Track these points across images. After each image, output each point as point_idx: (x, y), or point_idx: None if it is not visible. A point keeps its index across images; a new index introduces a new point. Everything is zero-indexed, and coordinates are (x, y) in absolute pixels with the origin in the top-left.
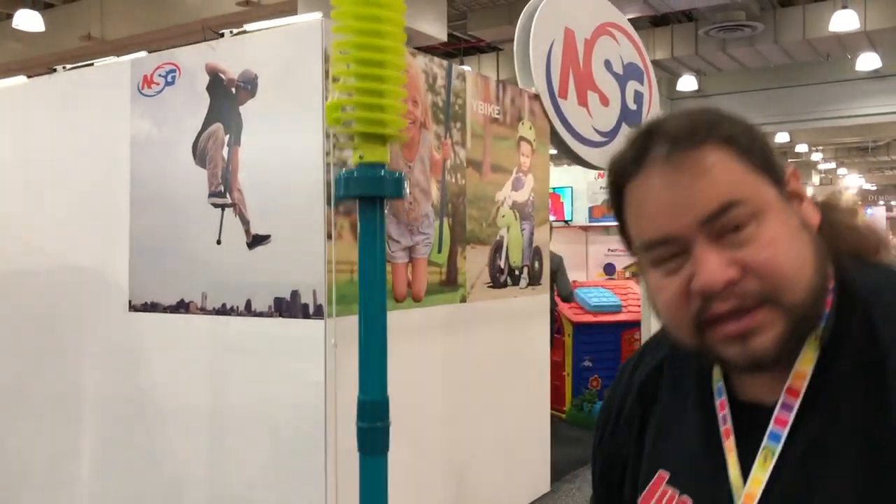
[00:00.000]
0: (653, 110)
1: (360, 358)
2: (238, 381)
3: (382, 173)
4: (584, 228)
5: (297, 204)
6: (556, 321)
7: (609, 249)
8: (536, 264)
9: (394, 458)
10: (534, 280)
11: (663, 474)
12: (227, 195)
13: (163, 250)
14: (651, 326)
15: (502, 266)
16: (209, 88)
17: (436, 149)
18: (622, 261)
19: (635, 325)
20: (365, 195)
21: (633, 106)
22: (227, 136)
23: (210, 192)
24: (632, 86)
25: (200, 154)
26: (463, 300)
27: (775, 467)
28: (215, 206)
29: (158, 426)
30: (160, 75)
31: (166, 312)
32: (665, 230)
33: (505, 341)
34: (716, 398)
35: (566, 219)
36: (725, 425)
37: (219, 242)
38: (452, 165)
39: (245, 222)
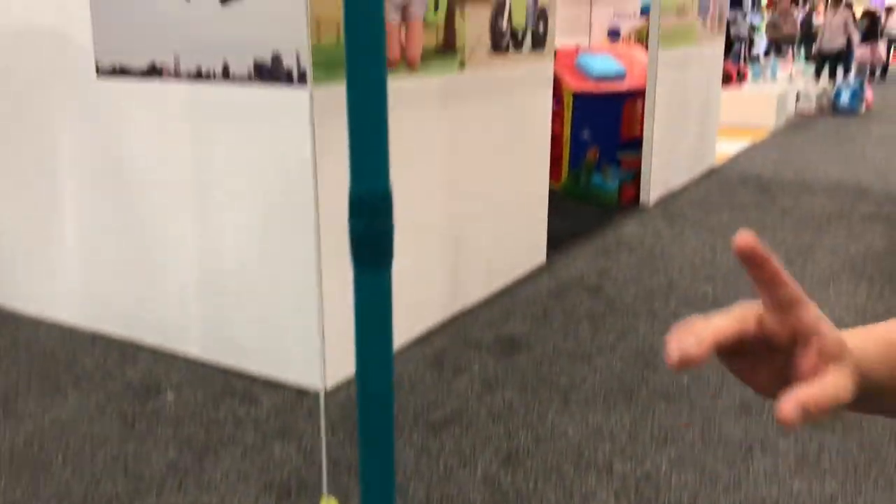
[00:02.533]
0: None
1: (351, 139)
2: (221, 151)
3: None
4: None
5: None
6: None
7: (614, 12)
8: (542, 27)
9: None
10: (537, 44)
11: None
12: None
13: (128, 5)
14: (655, 96)
15: (504, 28)
16: None
17: None
18: (628, 24)
19: (639, 94)
20: None
21: None
22: None
23: None
24: None
25: None
26: (461, 66)
27: None
28: None
29: (140, 200)
30: None
31: (138, 78)
32: None
33: (505, 111)
34: None
35: None
36: None
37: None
38: None
39: None
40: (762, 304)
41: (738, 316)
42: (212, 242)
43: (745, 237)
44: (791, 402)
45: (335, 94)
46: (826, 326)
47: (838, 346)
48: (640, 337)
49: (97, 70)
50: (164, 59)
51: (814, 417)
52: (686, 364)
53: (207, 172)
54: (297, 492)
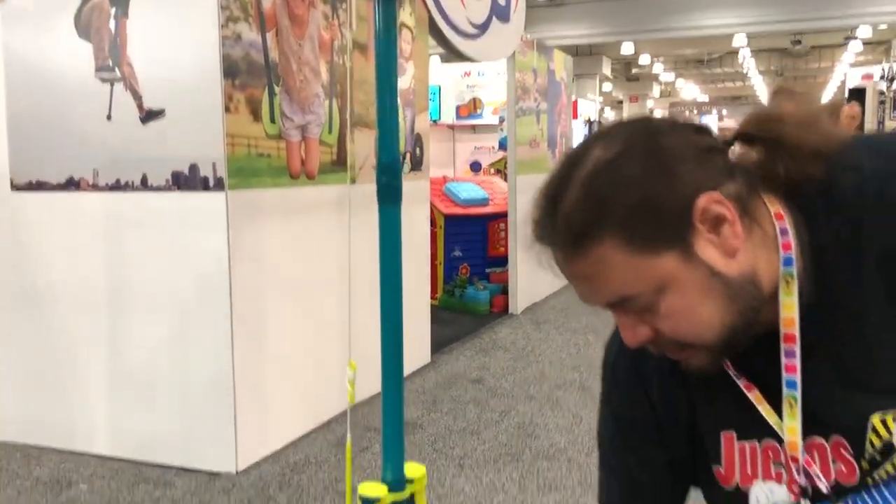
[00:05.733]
0: (519, 8)
1: (380, 128)
2: (137, 257)
3: None
4: (451, 127)
5: (192, 78)
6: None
7: (475, 147)
8: (418, 150)
9: (295, 329)
10: (415, 166)
11: (729, 433)
12: (116, 69)
13: (46, 129)
14: (517, 219)
15: None
16: None
17: (324, 29)
18: (488, 157)
19: (501, 216)
20: None
21: (502, 1)
22: (114, 8)
23: (97, 67)
24: None
25: (84, 27)
26: (353, 181)
27: (804, 408)
28: (103, 80)
29: (51, 305)
30: None
31: (54, 191)
32: (587, 302)
33: None
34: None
35: (433, 118)
36: (743, 380)
37: (109, 118)
38: (340, 47)
39: (137, 97)
40: None
41: None
42: (124, 343)
43: None
44: None
45: (247, 199)
46: None
47: None
48: (520, 414)
49: (12, 185)
50: (83, 174)
51: None
52: None
53: (121, 276)
54: None
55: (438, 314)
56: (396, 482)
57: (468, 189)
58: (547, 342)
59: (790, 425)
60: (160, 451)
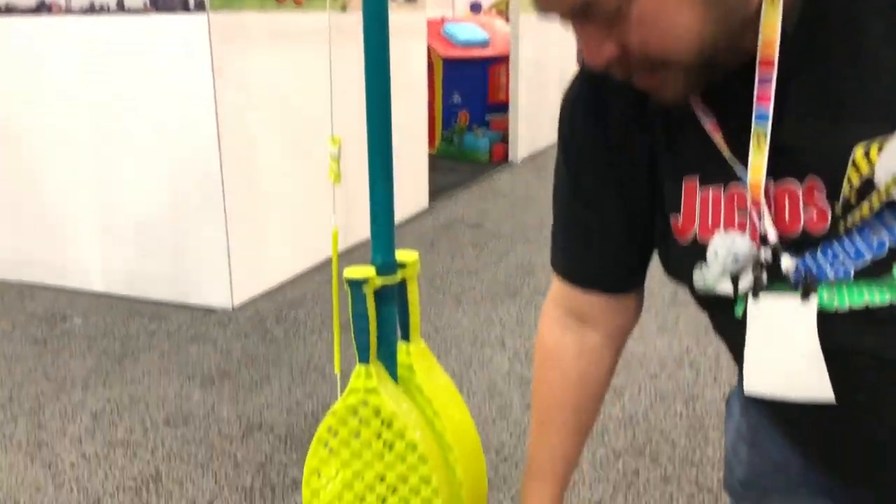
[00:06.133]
0: None
1: None
2: (117, 87)
3: None
4: None
5: None
6: None
7: None
8: None
9: (286, 167)
10: None
11: (691, 180)
12: None
13: None
14: (519, 61)
15: None
16: None
17: None
18: None
19: (503, 59)
20: None
21: None
22: None
23: None
24: None
25: None
26: (343, 8)
27: (772, 146)
28: None
29: (30, 140)
30: None
31: (25, 15)
32: (545, 11)
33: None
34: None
35: None
36: (710, 120)
37: None
38: None
39: None
40: None
41: None
42: (110, 179)
43: None
44: None
45: (232, 22)
46: None
47: None
48: (518, 255)
49: None
50: None
51: None
52: None
53: (102, 107)
54: (220, 379)
55: (436, 163)
56: (386, 265)
57: (468, 30)
58: (547, 190)
59: (756, 163)
60: (154, 287)
